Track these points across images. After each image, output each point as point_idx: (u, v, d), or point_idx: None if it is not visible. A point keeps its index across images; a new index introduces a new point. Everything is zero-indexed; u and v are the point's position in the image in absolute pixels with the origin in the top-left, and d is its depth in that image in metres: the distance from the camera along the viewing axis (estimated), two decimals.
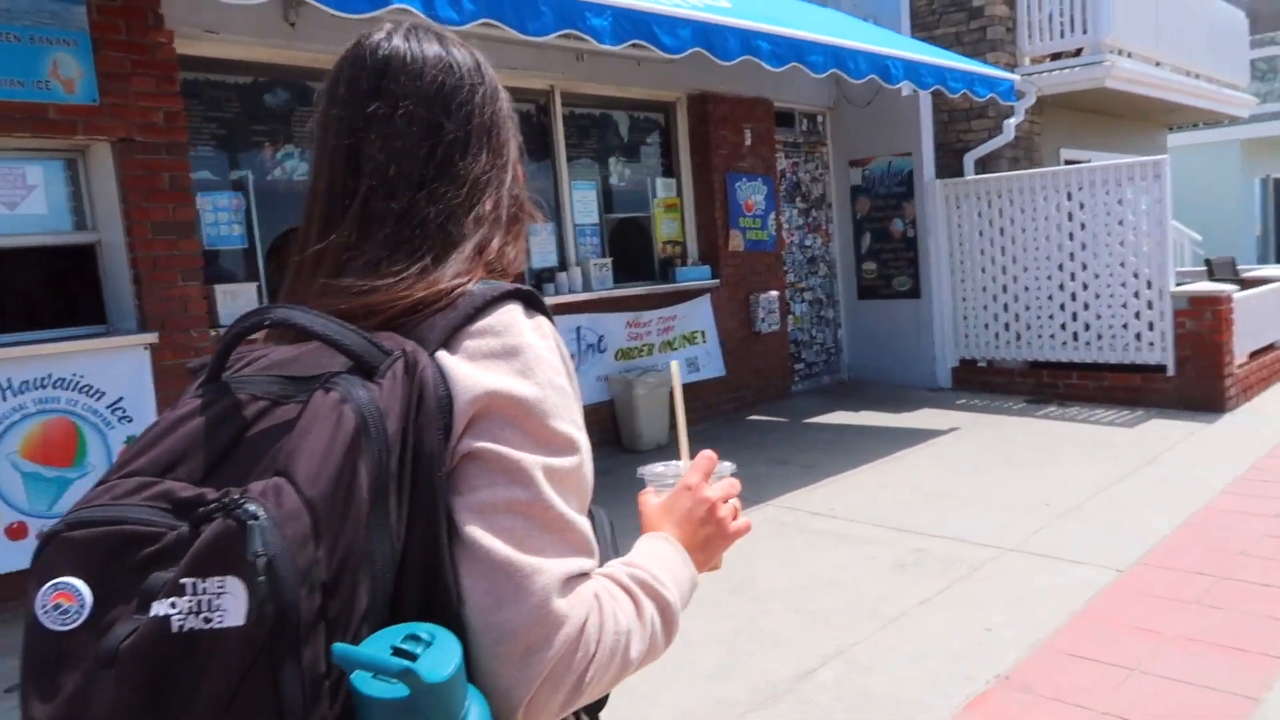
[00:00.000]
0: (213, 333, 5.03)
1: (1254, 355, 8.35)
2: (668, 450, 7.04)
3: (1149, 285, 7.78)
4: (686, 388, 7.42)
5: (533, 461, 0.80)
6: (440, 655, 0.69)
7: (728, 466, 1.11)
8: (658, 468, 1.13)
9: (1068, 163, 9.58)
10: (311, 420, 0.72)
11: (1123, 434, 6.88)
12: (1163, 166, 7.65)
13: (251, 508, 0.67)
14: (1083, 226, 8.08)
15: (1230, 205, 17.02)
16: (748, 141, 8.28)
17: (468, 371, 0.80)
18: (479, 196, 0.91)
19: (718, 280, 8.06)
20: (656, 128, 8.06)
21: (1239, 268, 10.91)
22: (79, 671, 0.66)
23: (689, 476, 1.04)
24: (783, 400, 8.64)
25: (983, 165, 9.20)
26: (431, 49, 0.92)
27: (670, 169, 8.13)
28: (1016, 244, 8.47)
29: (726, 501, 1.05)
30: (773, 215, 8.55)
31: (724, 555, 1.06)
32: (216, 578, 0.65)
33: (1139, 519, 4.93)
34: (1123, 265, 7.91)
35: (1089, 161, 8.51)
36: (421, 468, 0.75)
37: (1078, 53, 9.28)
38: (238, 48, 5.36)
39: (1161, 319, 7.72)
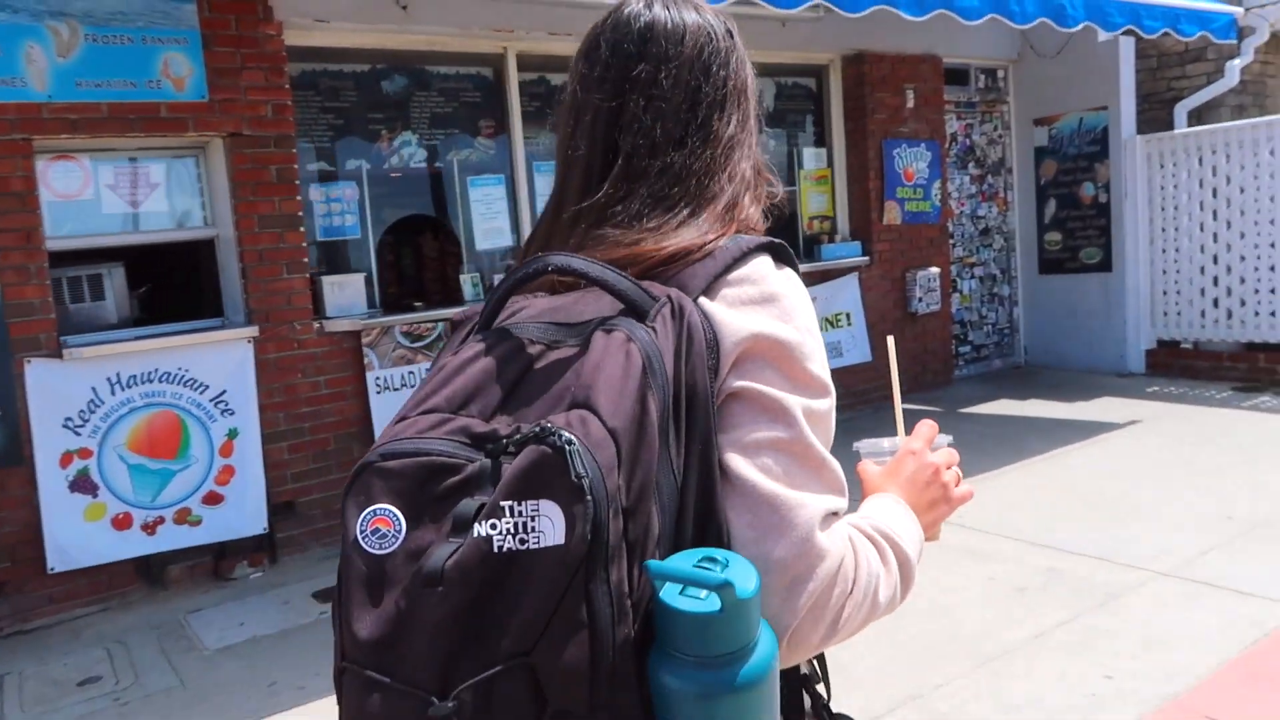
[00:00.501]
0: (316, 325, 5.11)
1: None
2: None
3: None
4: (833, 373, 6.92)
5: (794, 402, 0.84)
6: (744, 573, 0.73)
7: (945, 438, 1.11)
8: (876, 442, 1.14)
9: None
10: (603, 357, 0.76)
11: None
12: None
13: (567, 435, 0.70)
14: None
15: None
16: (909, 104, 7.58)
17: (731, 316, 0.84)
18: (732, 156, 0.96)
19: (868, 257, 7.45)
20: (807, 94, 7.53)
21: None
22: (398, 589, 0.71)
23: (912, 442, 1.07)
24: (943, 387, 7.92)
25: (1198, 118, 7.98)
26: (690, 16, 0.97)
27: (821, 138, 7.58)
28: (1233, 206, 7.29)
29: (949, 468, 1.06)
30: (938, 184, 7.81)
31: (934, 534, 1.06)
32: (533, 501, 0.69)
33: None
34: None
35: None
36: (696, 405, 0.79)
37: None
38: (349, 35, 5.39)
39: None
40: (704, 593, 0.71)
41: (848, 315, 7.27)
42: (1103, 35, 6.79)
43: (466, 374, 0.79)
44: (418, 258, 6.01)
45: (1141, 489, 5.01)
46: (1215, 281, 7.45)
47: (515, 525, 0.70)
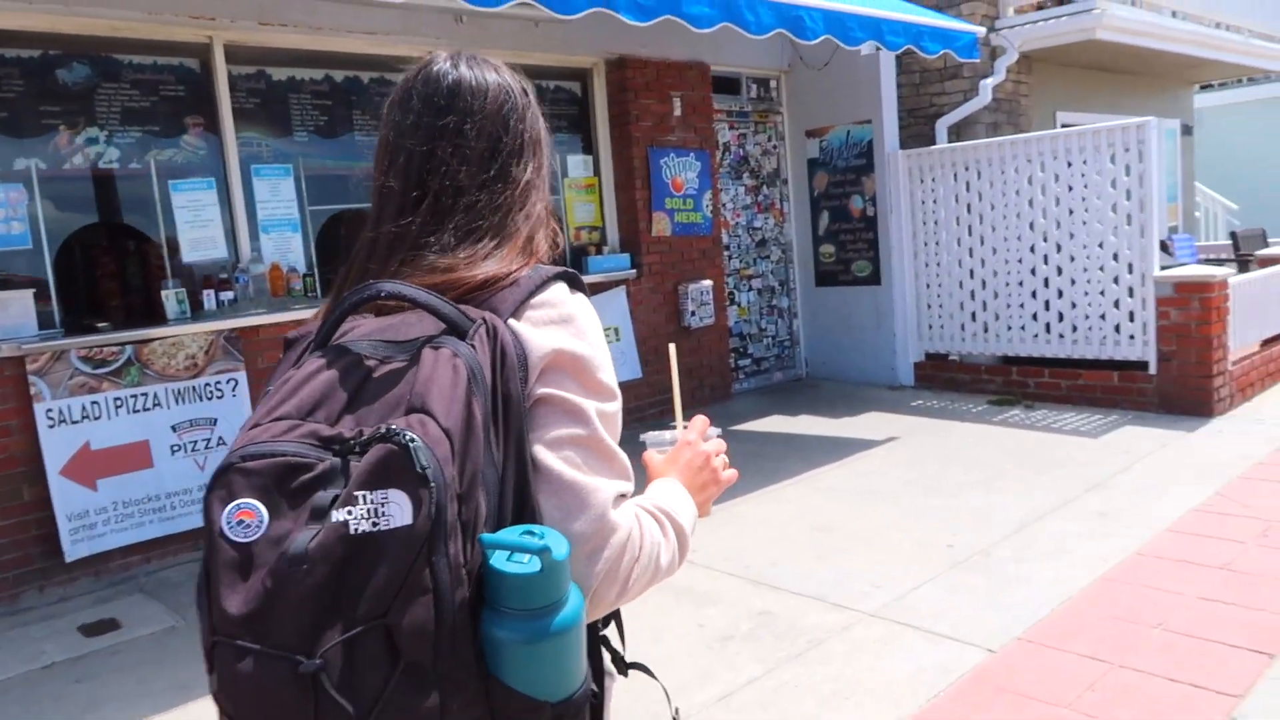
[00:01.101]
0: None
1: (1266, 344, 7.29)
2: None
3: (1130, 269, 6.76)
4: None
5: (589, 405, 1.01)
6: (557, 541, 0.90)
7: (715, 430, 1.32)
8: (659, 434, 1.32)
9: (1064, 127, 8.49)
10: (433, 369, 0.90)
11: (1084, 446, 5.92)
12: (1146, 131, 6.59)
13: (410, 435, 0.85)
14: (1057, 202, 7.06)
15: (1273, 171, 15.53)
16: (677, 111, 7.39)
17: (536, 334, 1.00)
18: (529, 197, 1.13)
19: (637, 270, 7.22)
20: (571, 98, 7.21)
21: (1271, 240, 9.74)
22: (264, 571, 0.83)
23: (688, 434, 1.26)
24: (721, 401, 7.79)
25: (958, 134, 8.18)
26: (491, 76, 1.13)
27: (589, 144, 7.29)
28: (985, 222, 7.47)
29: (719, 455, 1.27)
30: (709, 194, 7.66)
31: (705, 511, 1.24)
32: (382, 490, 0.83)
33: (1049, 569, 4.04)
34: (1101, 246, 6.88)
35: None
36: (510, 409, 0.94)
37: (1063, 0, 8.17)
38: (6, 16, 4.66)
39: (1143, 308, 6.70)
40: (526, 558, 0.86)
41: (615, 330, 7.00)
42: (845, 48, 6.77)
43: (312, 385, 0.91)
44: (111, 271, 5.31)
45: (878, 514, 4.94)
46: (972, 295, 7.62)
47: (368, 511, 0.83)
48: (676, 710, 1.31)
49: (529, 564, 0.86)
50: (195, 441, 5.05)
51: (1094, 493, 5.03)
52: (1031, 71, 8.73)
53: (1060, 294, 7.13)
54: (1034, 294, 7.26)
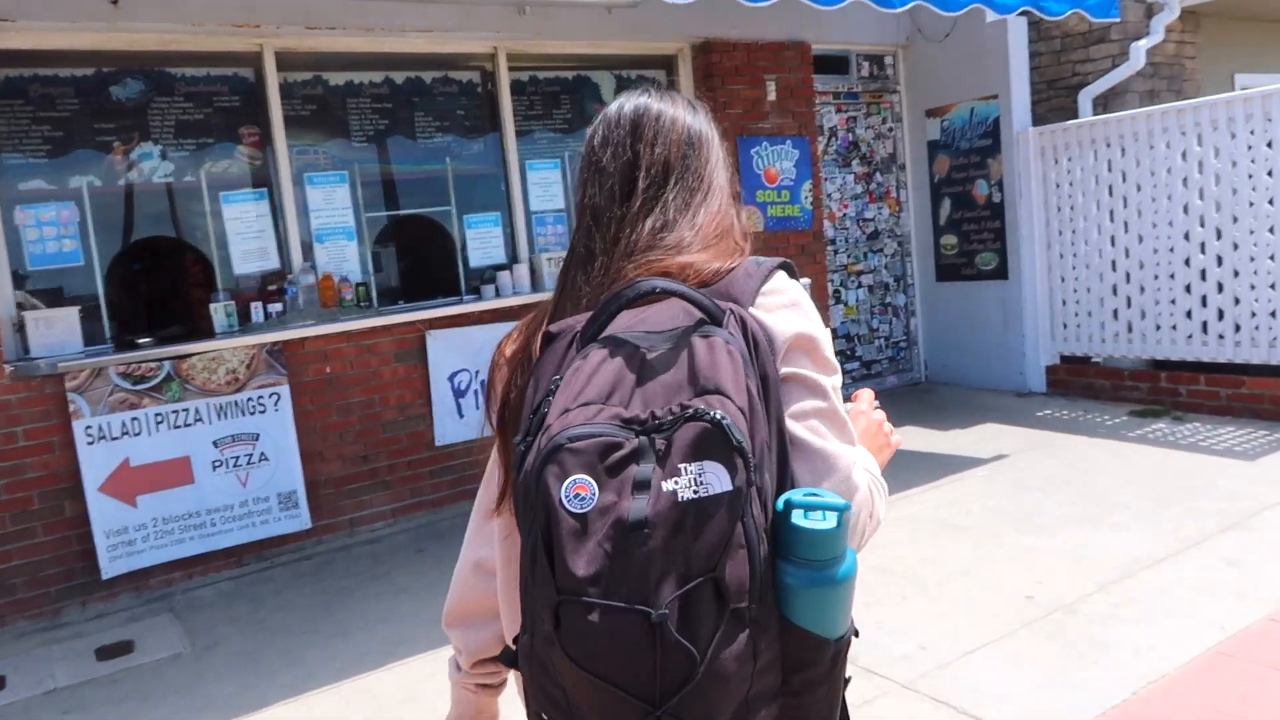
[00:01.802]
0: (9, 368, 4.46)
1: None
2: None
3: None
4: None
5: (825, 380, 1.11)
6: (842, 503, 0.99)
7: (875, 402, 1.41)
8: None
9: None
10: (712, 355, 0.99)
11: (1233, 471, 4.96)
12: None
13: (720, 413, 0.94)
14: (1218, 180, 6.01)
15: None
16: (771, 96, 6.81)
17: (776, 320, 1.09)
18: (726, 199, 1.27)
19: None
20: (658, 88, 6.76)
21: None
22: (598, 536, 0.92)
23: (858, 405, 1.36)
24: None
25: (1106, 106, 7.16)
26: (680, 112, 1.28)
27: None
28: (1130, 206, 6.48)
29: (885, 423, 1.36)
30: (808, 185, 7.04)
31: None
32: (699, 462, 0.93)
33: (1146, 635, 3.29)
34: (1272, 232, 5.79)
35: None
36: (769, 388, 1.02)
37: None
38: (51, 35, 4.71)
39: None
40: (821, 515, 0.97)
41: None
42: (991, 16, 5.97)
43: (604, 373, 1.00)
44: (163, 286, 5.33)
45: (952, 554, 4.26)
46: (1114, 290, 6.64)
47: (690, 480, 0.93)
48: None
49: (825, 521, 0.96)
50: (237, 457, 4.99)
51: (1230, 534, 4.15)
52: (1200, 29, 7.55)
53: (1220, 288, 6.07)
54: (1188, 288, 6.23)
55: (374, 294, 5.62)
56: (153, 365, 4.75)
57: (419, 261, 5.97)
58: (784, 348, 1.08)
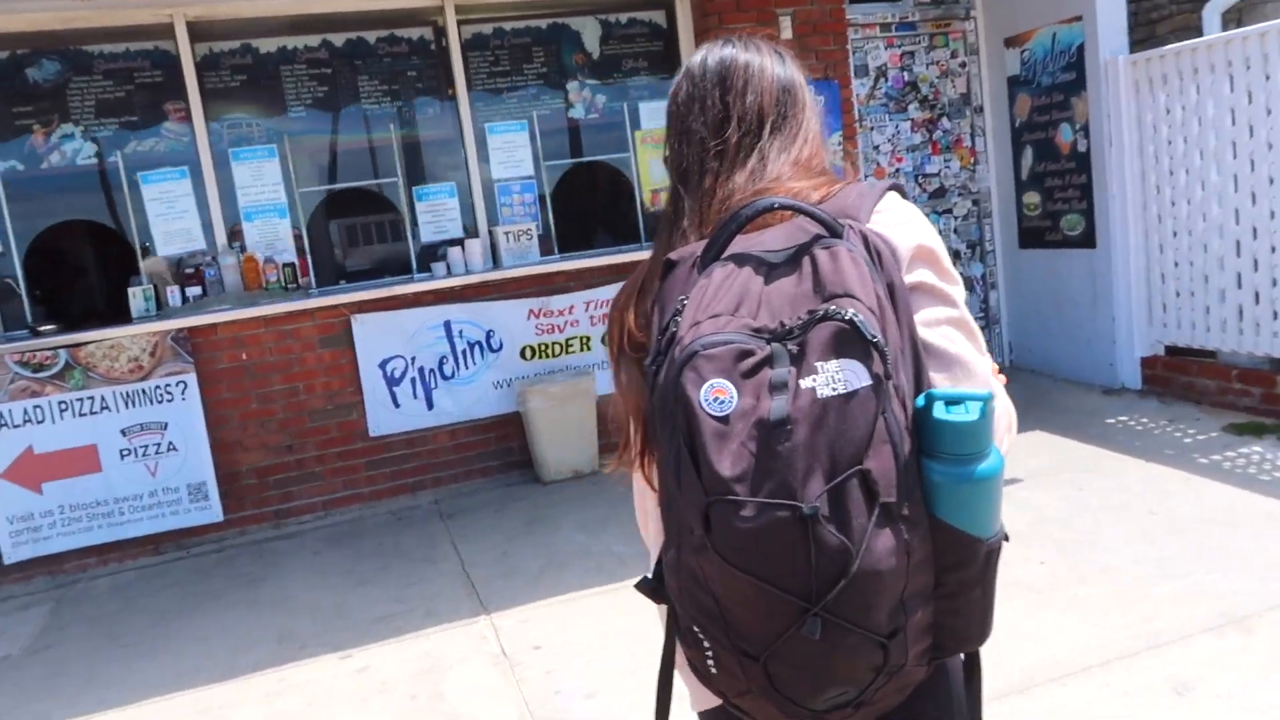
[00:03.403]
0: None
1: None
2: (587, 481, 5.27)
3: None
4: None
5: (953, 290, 1.11)
6: (982, 391, 0.99)
7: None
8: None
9: None
10: (835, 263, 0.99)
11: None
12: None
13: (852, 311, 0.94)
14: None
15: None
16: (785, 33, 5.77)
17: (896, 233, 1.08)
18: (816, 131, 1.26)
19: None
20: (652, 32, 5.94)
21: None
22: (741, 437, 0.92)
23: None
24: None
25: (1239, 21, 5.52)
26: (768, 61, 1.25)
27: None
28: (1239, 154, 4.94)
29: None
30: (837, 137, 5.95)
31: None
32: (835, 360, 0.93)
33: None
34: None
35: None
36: (896, 295, 1.01)
37: None
38: None
39: None
40: (962, 408, 0.95)
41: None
42: None
43: (729, 288, 1.01)
44: (82, 270, 5.28)
45: None
46: (1222, 264, 5.13)
47: (828, 378, 0.93)
48: None
49: (968, 413, 0.95)
50: (146, 446, 4.88)
51: (1228, 631, 2.98)
52: None
53: None
54: None
55: (311, 275, 5.32)
56: (49, 353, 4.71)
57: (362, 238, 5.59)
58: (906, 258, 1.08)
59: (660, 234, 1.24)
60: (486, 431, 5.46)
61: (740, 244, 1.07)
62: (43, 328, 4.81)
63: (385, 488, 5.34)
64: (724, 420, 0.93)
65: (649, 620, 3.50)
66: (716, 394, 0.93)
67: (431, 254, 5.49)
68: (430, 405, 5.32)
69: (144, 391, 4.86)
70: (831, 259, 0.99)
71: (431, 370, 5.30)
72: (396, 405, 5.27)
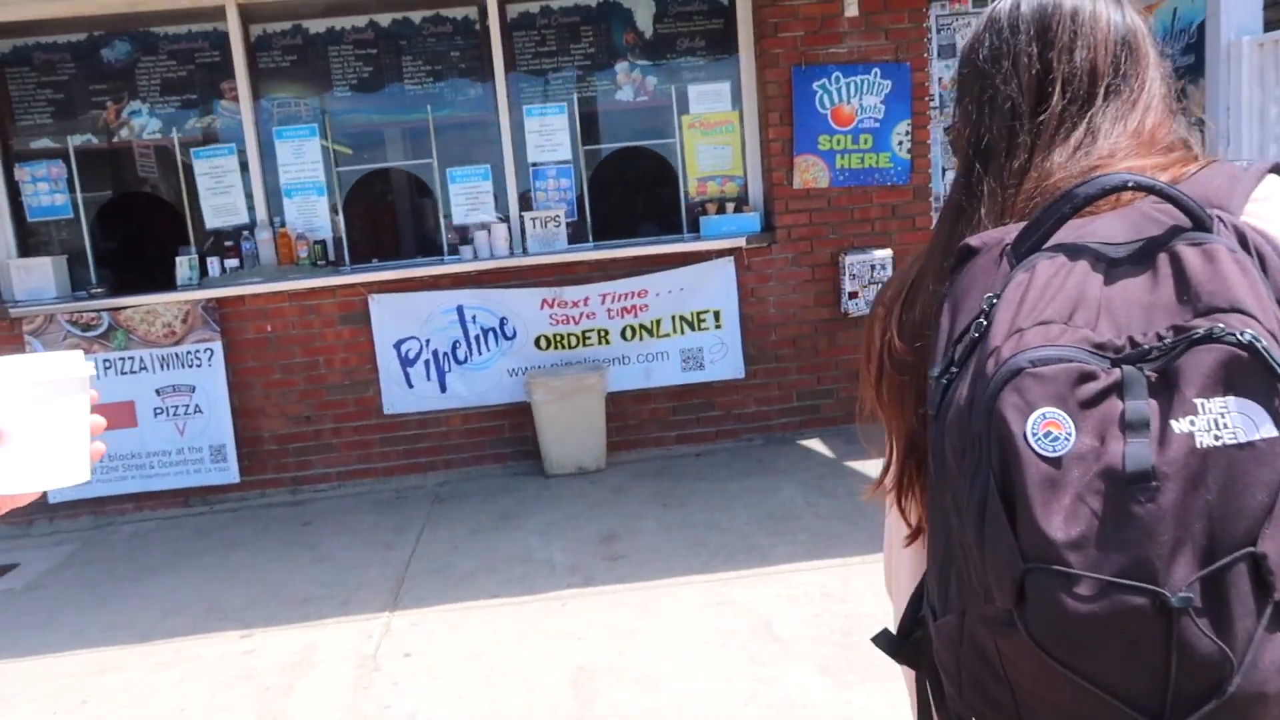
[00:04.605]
0: None
1: None
2: (588, 479, 5.11)
3: None
4: (697, 388, 5.30)
5: None
6: None
7: None
8: None
9: None
10: (1216, 266, 0.77)
11: None
12: None
13: (1251, 333, 0.72)
14: None
15: None
16: (850, 10, 5.23)
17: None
18: (1160, 95, 0.99)
19: (769, 235, 5.41)
20: (712, 9, 5.57)
21: None
22: (1079, 489, 0.72)
23: None
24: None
25: None
26: (1102, 6, 1.00)
27: (727, 68, 5.59)
28: None
29: None
30: (904, 125, 5.36)
31: None
32: (1221, 398, 0.71)
33: None
34: None
35: None
36: None
37: None
38: (33, 6, 5.11)
39: None
40: None
41: (716, 314, 5.39)
42: None
43: (1061, 287, 0.80)
44: (141, 238, 5.66)
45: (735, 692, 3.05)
46: None
47: (1210, 422, 0.71)
48: None
49: None
50: (176, 406, 5.22)
51: None
52: None
53: None
54: None
55: (345, 252, 5.46)
56: (94, 315, 5.11)
57: (396, 219, 5.65)
58: None
59: (942, 225, 1.03)
60: (500, 418, 5.41)
61: (1065, 233, 0.86)
62: (93, 291, 5.23)
63: (397, 465, 5.43)
64: (1056, 464, 0.73)
65: (531, 642, 3.35)
66: (1049, 427, 0.74)
67: (464, 237, 5.47)
68: (443, 388, 5.33)
69: (176, 355, 5.19)
70: (1207, 259, 0.78)
71: (445, 354, 5.30)
72: (410, 385, 5.32)
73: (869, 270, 5.36)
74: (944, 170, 5.55)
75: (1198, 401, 0.71)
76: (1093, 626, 0.70)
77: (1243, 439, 0.70)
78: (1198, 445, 0.70)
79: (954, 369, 0.80)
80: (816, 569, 3.76)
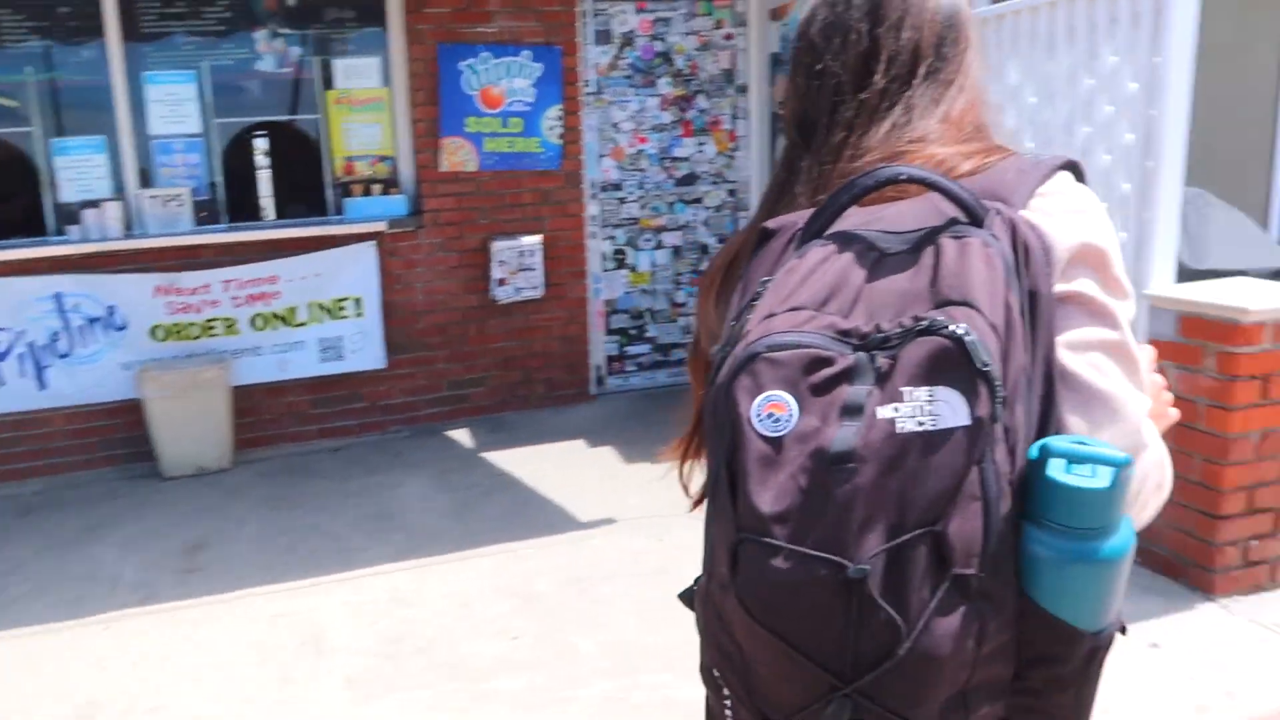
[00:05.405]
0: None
1: None
2: (208, 480, 4.72)
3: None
4: (339, 379, 5.01)
5: (1116, 305, 0.88)
6: (1121, 456, 0.75)
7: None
8: None
9: None
10: (962, 260, 0.78)
11: None
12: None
13: (963, 327, 0.73)
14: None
15: None
16: None
17: (1056, 226, 0.86)
18: (976, 85, 1.01)
19: (418, 218, 5.20)
20: None
21: None
22: (793, 468, 0.74)
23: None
24: (568, 406, 5.52)
25: None
26: None
27: (376, 42, 5.31)
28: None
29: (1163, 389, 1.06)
30: (555, 111, 5.28)
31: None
32: (928, 387, 0.73)
33: None
34: None
35: None
36: (1039, 308, 0.81)
37: None
38: None
39: None
40: (1090, 470, 0.74)
41: (357, 301, 5.12)
42: None
43: (822, 274, 0.82)
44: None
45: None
46: None
47: (915, 409, 0.73)
48: None
49: (1094, 477, 0.74)
50: None
51: None
52: None
53: None
54: None
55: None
56: None
57: None
58: (1064, 260, 0.86)
59: (765, 200, 1.03)
60: (113, 417, 4.91)
61: (856, 219, 0.87)
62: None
63: None
64: (775, 443, 0.76)
65: (45, 673, 3.01)
66: (772, 409, 0.77)
67: (73, 216, 4.92)
68: (43, 385, 4.78)
69: None
70: (959, 252, 0.80)
71: (44, 347, 4.75)
72: (3, 383, 4.74)
73: (518, 256, 5.26)
74: (600, 157, 5.53)
75: (904, 389, 0.74)
76: (787, 593, 0.74)
77: (941, 426, 0.73)
78: (897, 430, 0.73)
79: (726, 349, 0.81)
80: (398, 570, 3.60)
